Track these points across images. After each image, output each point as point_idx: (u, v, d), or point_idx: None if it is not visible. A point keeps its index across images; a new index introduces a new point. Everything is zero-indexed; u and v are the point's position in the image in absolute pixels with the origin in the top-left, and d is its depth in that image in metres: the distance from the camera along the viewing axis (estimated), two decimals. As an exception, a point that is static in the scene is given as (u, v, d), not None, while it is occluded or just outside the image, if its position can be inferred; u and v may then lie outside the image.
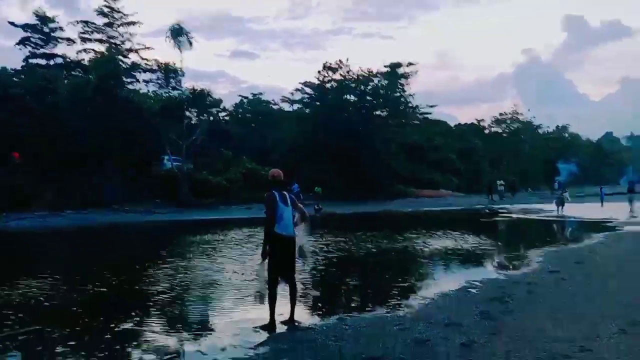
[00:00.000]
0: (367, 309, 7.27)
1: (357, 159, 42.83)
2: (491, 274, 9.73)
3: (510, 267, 10.79)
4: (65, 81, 36.57)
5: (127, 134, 32.24)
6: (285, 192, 6.24)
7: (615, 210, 25.55)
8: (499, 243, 15.57)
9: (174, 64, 37.01)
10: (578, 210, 26.33)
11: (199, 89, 37.19)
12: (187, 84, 38.50)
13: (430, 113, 66.44)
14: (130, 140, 32.46)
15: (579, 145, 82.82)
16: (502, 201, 38.59)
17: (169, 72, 36.38)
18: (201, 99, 37.34)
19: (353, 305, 7.69)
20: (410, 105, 50.97)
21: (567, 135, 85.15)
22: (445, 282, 9.02)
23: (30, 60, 43.29)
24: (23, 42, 43.88)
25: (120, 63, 37.76)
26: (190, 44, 36.33)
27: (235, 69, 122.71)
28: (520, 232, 19.68)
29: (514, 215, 26.26)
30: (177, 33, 35.35)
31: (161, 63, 37.15)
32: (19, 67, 41.72)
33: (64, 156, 31.95)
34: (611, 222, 20.43)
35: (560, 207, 26.07)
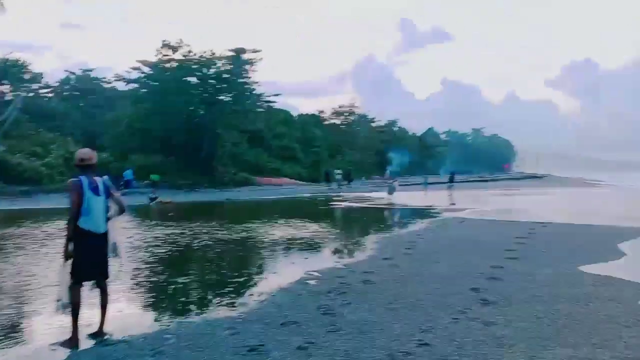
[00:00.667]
0: (196, 312, 6.44)
1: (198, 145, 41.02)
2: (329, 262, 9.56)
3: (347, 255, 10.82)
4: None
5: None
6: (98, 178, 5.13)
7: (437, 198, 28.07)
8: (337, 230, 15.75)
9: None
10: (406, 198, 28.36)
11: (12, 59, 31.98)
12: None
13: (274, 102, 66.74)
14: None
15: (405, 138, 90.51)
16: (340, 189, 40.16)
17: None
18: (15, 71, 32.21)
19: (180, 308, 6.77)
20: (254, 92, 50.40)
21: (396, 129, 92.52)
22: (284, 274, 8.56)
23: None
24: None
25: None
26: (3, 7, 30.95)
27: (62, 41, 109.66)
28: (355, 219, 20.28)
29: (350, 203, 27.32)
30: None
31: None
32: None
33: None
34: (434, 208, 22.23)
35: (391, 195, 27.87)
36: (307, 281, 7.83)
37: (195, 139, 40.82)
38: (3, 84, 34.21)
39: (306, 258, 10.29)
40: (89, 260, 5.02)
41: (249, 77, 47.37)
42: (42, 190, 30.57)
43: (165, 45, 42.35)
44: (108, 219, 5.17)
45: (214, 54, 43.92)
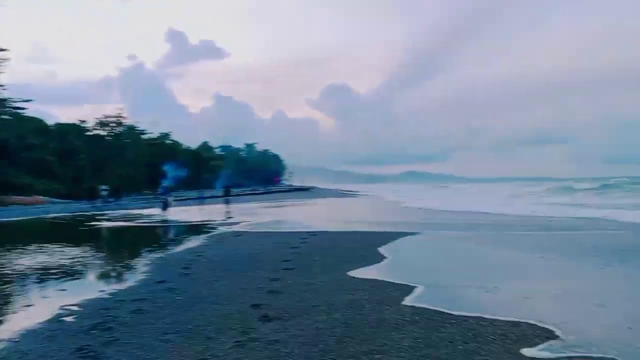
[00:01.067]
0: None
1: None
2: (92, 292, 8.25)
3: (115, 281, 9.60)
4: None
5: None
6: None
7: (214, 212, 27.72)
8: (102, 254, 14.02)
9: None
10: (181, 213, 27.34)
11: None
12: None
13: (24, 109, 58.16)
14: None
15: (180, 151, 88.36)
16: (106, 206, 36.71)
17: None
18: None
19: None
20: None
21: (169, 142, 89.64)
22: (35, 312, 7.05)
23: None
24: None
25: None
26: None
27: None
28: (124, 240, 18.54)
29: (118, 223, 25.04)
30: None
31: None
32: None
33: None
34: (211, 223, 21.81)
35: (165, 211, 26.51)
36: (62, 318, 6.55)
37: None
38: None
39: (63, 290, 8.71)
40: None
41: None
42: None
43: None
44: None
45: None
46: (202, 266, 10.43)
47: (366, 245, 12.69)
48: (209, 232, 18.10)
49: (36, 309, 7.33)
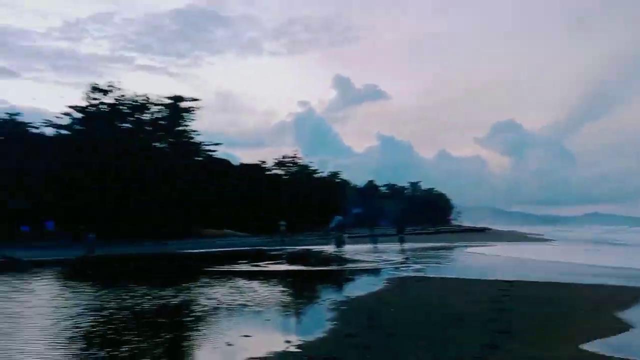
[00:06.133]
0: None
1: (130, 194, 37.99)
2: (279, 343, 7.40)
3: (300, 330, 8.84)
4: None
5: None
6: None
7: (389, 252, 26.51)
8: (285, 291, 13.45)
9: None
10: (355, 251, 26.64)
11: None
12: None
13: (215, 151, 64.73)
14: None
15: (348, 189, 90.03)
16: (283, 242, 37.97)
17: None
18: None
19: None
20: (193, 141, 48.24)
21: (338, 180, 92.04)
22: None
23: None
24: None
25: None
26: None
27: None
28: (304, 278, 17.97)
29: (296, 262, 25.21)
30: None
31: None
32: None
33: None
34: (388, 263, 20.56)
35: (339, 247, 26.07)
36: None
37: (127, 187, 37.81)
38: None
39: (247, 336, 7.92)
40: None
41: (187, 126, 45.43)
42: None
43: (95, 88, 39.77)
44: None
45: (148, 99, 41.71)
46: (391, 319, 9.18)
47: (593, 306, 10.16)
48: (389, 275, 16.85)
49: (223, 358, 6.77)
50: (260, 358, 6.51)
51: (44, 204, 35.13)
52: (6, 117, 51.97)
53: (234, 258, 23.44)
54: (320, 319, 9.37)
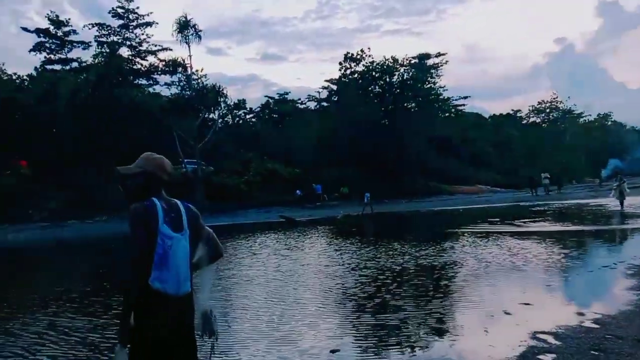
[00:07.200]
0: None
1: (384, 155, 39.78)
2: (568, 316, 6.39)
3: (593, 301, 7.74)
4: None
5: (134, 135, 30.08)
6: (176, 203, 2.77)
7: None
8: (564, 256, 11.24)
9: (183, 60, 34.77)
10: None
11: (211, 86, 34.84)
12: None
13: (463, 105, 63.14)
14: (137, 141, 30.31)
15: (624, 133, 77.16)
16: (549, 196, 34.80)
17: (177, 67, 34.10)
18: (214, 97, 34.96)
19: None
20: (441, 97, 47.72)
21: (609, 123, 79.59)
22: (502, 336, 6.07)
23: (47, 67, 41.76)
24: (37, 48, 42.54)
25: (126, 63, 35.82)
26: (200, 37, 34.14)
27: (266, 72, 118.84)
28: (584, 237, 15.02)
29: (575, 212, 22.71)
30: (184, 26, 33.10)
31: (169, 60, 35.00)
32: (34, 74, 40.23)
33: (70, 163, 30.07)
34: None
35: (619, 200, 22.42)
36: (538, 356, 4.93)
37: (380, 148, 39.67)
38: (206, 110, 37.23)
39: (527, 304, 6.93)
40: (164, 342, 2.61)
41: (435, 82, 44.98)
42: (242, 207, 32.29)
43: (348, 58, 42.32)
44: (196, 268, 2.80)
45: (396, 61, 42.51)
46: None
47: None
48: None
49: (502, 330, 6.30)
50: (548, 333, 5.62)
51: (312, 170, 39.47)
52: (277, 97, 60.14)
53: (494, 215, 22.37)
54: (616, 288, 8.00)
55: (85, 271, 12.94)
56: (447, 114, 58.51)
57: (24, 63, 71.18)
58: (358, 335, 5.76)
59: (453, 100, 60.16)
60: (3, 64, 38.62)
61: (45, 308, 8.08)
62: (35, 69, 39.92)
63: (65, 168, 30.05)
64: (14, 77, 36.84)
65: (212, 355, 2.87)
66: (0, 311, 8.18)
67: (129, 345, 2.52)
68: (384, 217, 26.43)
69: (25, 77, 38.18)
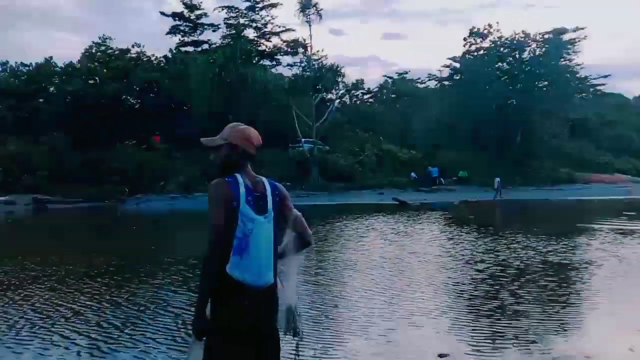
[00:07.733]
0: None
1: (509, 137, 37.11)
2: None
3: None
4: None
5: (257, 113, 31.24)
6: (262, 180, 2.48)
7: None
8: None
9: (304, 40, 35.16)
10: None
11: (329, 66, 34.93)
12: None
13: (603, 85, 56.69)
14: (260, 118, 31.36)
15: None
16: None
17: (298, 47, 34.60)
18: (332, 77, 35.00)
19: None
20: (577, 75, 43.10)
21: None
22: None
23: (181, 49, 44.73)
24: (173, 31, 45.64)
25: (251, 44, 37.12)
26: (320, 16, 34.29)
27: (386, 51, 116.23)
28: None
29: None
30: (306, 5, 33.41)
31: (291, 40, 35.66)
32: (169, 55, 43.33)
33: (199, 139, 32.01)
34: None
35: None
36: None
37: (506, 131, 37.05)
38: (323, 91, 37.38)
39: None
40: (240, 339, 2.33)
41: (571, 60, 40.73)
42: (356, 187, 32.17)
43: (473, 33, 39.80)
44: (281, 256, 2.51)
45: (527, 35, 39.12)
46: None
47: None
48: None
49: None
50: None
51: (429, 152, 38.08)
52: (396, 76, 58.85)
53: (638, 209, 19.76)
54: None
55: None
56: (583, 94, 52.98)
57: (162, 45, 77.09)
58: (470, 341, 5.10)
59: (591, 79, 54.15)
60: (143, 46, 41.83)
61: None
62: (170, 50, 42.85)
63: (194, 144, 32.14)
64: (152, 59, 40.09)
65: (298, 356, 2.61)
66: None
67: (204, 339, 2.32)
68: (509, 206, 24.68)
69: (161, 59, 41.43)
